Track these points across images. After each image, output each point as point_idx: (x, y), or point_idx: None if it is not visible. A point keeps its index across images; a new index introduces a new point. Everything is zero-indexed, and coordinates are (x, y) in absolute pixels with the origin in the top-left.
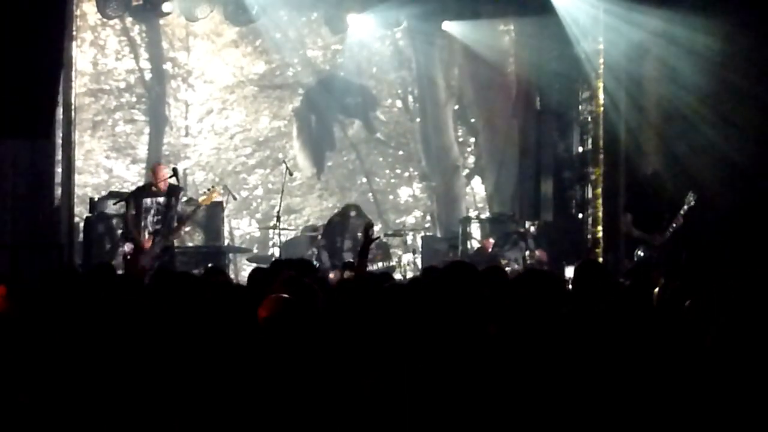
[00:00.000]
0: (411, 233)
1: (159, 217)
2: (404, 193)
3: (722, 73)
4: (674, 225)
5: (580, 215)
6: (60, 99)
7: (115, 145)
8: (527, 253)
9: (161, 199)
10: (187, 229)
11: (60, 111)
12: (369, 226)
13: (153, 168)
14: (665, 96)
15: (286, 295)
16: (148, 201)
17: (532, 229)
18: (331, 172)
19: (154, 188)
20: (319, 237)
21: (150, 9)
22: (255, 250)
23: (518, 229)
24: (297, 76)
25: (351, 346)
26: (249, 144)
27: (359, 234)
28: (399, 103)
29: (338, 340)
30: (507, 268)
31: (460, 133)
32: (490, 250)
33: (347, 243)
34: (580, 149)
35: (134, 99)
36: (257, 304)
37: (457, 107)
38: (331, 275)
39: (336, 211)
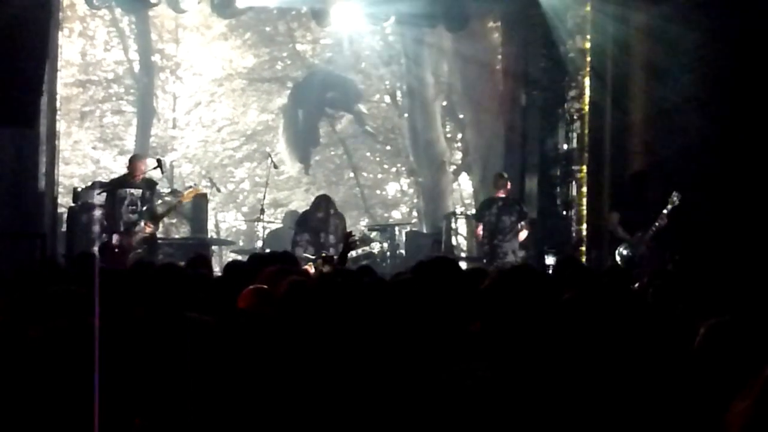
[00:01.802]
0: (396, 228)
1: (133, 208)
2: (392, 188)
3: (708, 72)
4: (657, 224)
5: (565, 212)
6: (45, 88)
7: (103, 136)
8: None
9: (136, 191)
10: (173, 221)
11: (45, 100)
12: (349, 235)
13: (130, 160)
14: (651, 95)
15: (264, 287)
16: (122, 192)
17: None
18: (319, 167)
19: (130, 179)
20: (294, 230)
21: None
22: (241, 243)
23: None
24: (286, 69)
25: (331, 341)
26: (236, 137)
27: (340, 229)
28: (387, 99)
29: (317, 334)
30: (508, 259)
31: (448, 129)
32: (482, 238)
33: (331, 238)
34: (566, 147)
35: (122, 90)
36: (232, 296)
37: (445, 103)
38: (312, 270)
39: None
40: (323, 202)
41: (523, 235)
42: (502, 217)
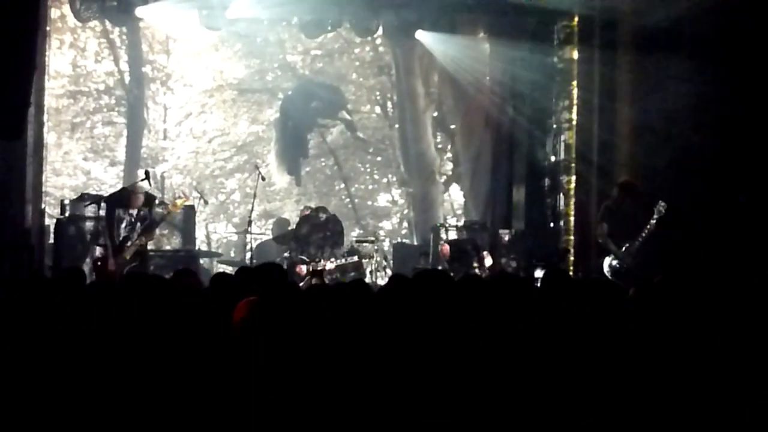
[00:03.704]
0: (386, 239)
1: (130, 227)
2: (383, 199)
3: (697, 82)
4: (644, 234)
5: (552, 224)
6: (32, 100)
7: (94, 147)
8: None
9: (134, 211)
10: (165, 232)
11: (32, 112)
12: (315, 275)
13: (125, 194)
14: (639, 105)
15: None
16: (121, 212)
17: (506, 237)
18: (310, 178)
19: (128, 203)
20: (292, 244)
21: (123, 11)
22: (232, 254)
23: (474, 240)
24: (276, 80)
25: (321, 352)
26: (227, 148)
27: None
28: (378, 109)
29: (310, 346)
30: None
31: (438, 140)
32: (448, 255)
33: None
34: (553, 158)
35: (113, 101)
36: (220, 308)
37: (436, 114)
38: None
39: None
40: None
41: (489, 262)
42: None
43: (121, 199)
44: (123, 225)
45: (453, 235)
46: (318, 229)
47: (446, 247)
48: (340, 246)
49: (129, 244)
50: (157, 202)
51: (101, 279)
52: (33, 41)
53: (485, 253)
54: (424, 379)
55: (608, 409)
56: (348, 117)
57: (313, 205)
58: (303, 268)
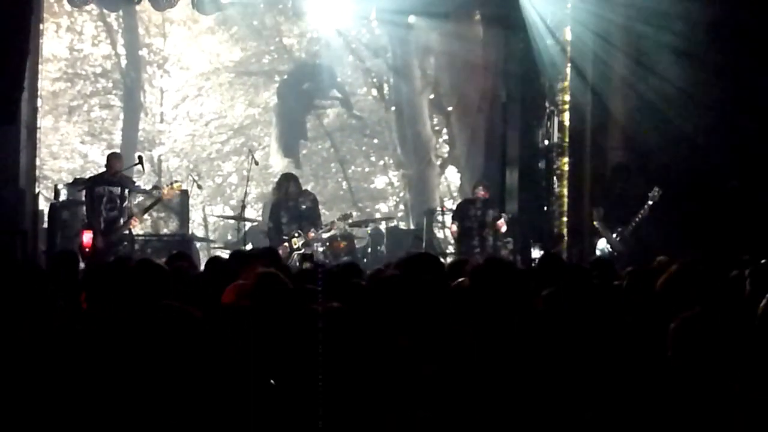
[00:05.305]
0: (383, 222)
1: (111, 205)
2: (380, 182)
3: (694, 64)
4: (637, 219)
5: (545, 207)
6: (26, 85)
7: (91, 130)
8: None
9: (114, 189)
10: (162, 214)
11: (26, 97)
12: (306, 258)
13: (107, 158)
14: (634, 87)
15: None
16: (100, 189)
17: (501, 221)
18: (306, 160)
19: (107, 177)
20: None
21: None
22: (229, 237)
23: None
24: (273, 63)
25: (315, 338)
26: (224, 131)
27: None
28: (374, 92)
29: (303, 331)
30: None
31: (435, 122)
32: (456, 236)
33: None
34: (546, 142)
35: (110, 84)
36: (213, 290)
37: (432, 96)
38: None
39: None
40: (284, 182)
41: (504, 228)
42: (488, 211)
43: (102, 175)
44: (103, 202)
45: (448, 218)
46: (290, 201)
47: (454, 226)
48: (316, 219)
49: (117, 225)
50: (151, 186)
51: (89, 262)
52: (26, 26)
53: (501, 222)
54: (420, 369)
55: (609, 404)
56: (339, 95)
57: (309, 187)
58: (284, 245)
